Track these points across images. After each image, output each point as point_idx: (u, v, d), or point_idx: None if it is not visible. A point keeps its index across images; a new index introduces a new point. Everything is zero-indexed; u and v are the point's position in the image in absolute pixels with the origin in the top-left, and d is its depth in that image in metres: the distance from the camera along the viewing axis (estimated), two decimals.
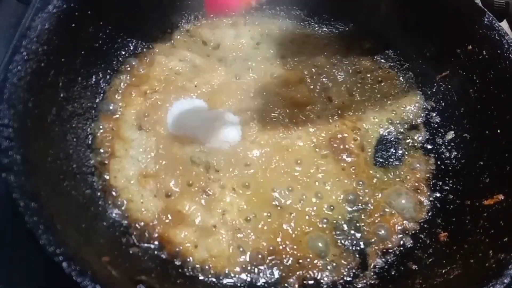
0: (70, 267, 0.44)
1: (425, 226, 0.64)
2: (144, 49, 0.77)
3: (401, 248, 0.62)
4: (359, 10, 0.83)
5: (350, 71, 0.79)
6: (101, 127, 0.68)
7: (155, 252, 0.58)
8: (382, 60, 0.80)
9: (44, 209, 0.48)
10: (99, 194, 0.61)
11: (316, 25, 0.84)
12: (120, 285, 0.47)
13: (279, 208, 0.63)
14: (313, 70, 0.78)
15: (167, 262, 0.58)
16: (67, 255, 0.44)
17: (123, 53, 0.75)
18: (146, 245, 0.59)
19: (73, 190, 0.58)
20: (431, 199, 0.66)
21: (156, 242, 0.59)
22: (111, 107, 0.70)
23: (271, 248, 0.60)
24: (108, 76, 0.72)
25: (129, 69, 0.74)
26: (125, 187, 0.63)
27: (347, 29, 0.84)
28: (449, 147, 0.70)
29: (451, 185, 0.67)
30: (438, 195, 0.66)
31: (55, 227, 0.47)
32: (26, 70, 0.56)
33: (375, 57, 0.81)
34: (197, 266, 0.58)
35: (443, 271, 0.55)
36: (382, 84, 0.77)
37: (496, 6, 1.03)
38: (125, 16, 0.73)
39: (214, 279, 0.57)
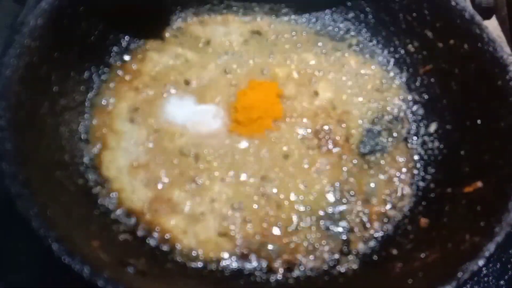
0: (60, 249, 0.46)
1: (407, 213, 0.65)
2: (136, 45, 0.79)
3: (383, 235, 0.63)
4: (346, 7, 0.85)
5: (337, 66, 0.81)
6: (93, 120, 0.70)
7: (145, 239, 0.60)
8: (368, 56, 0.82)
9: (35, 195, 0.49)
10: (90, 184, 0.63)
11: (305, 22, 0.86)
12: (109, 267, 0.48)
13: (266, 196, 0.65)
14: (301, 65, 0.80)
15: (156, 248, 0.59)
16: (57, 238, 0.46)
17: (116, 49, 0.77)
18: (136, 232, 0.60)
19: (65, 179, 0.60)
20: (413, 188, 0.68)
21: (146, 229, 0.61)
22: (103, 101, 0.72)
23: (257, 234, 0.62)
24: (100, 71, 0.74)
25: (121, 64, 0.76)
26: (116, 177, 0.65)
27: (334, 25, 0.86)
28: (431, 138, 0.72)
29: (433, 174, 0.69)
30: (420, 184, 0.68)
31: (46, 212, 0.49)
32: (18, 64, 0.58)
33: (362, 53, 0.83)
34: (185, 252, 0.60)
35: (423, 255, 0.57)
36: (368, 78, 0.79)
37: (484, 4, 1.05)
38: (117, 13, 0.75)
39: (201, 265, 0.59)
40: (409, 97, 0.77)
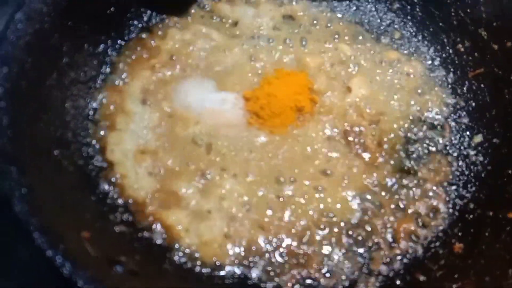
0: (42, 238, 0.41)
1: (439, 234, 0.58)
2: (158, 21, 0.73)
3: (410, 256, 0.56)
4: None
5: (376, 61, 0.73)
6: (103, 97, 0.65)
7: (143, 233, 0.55)
8: (410, 52, 0.74)
9: (23, 175, 0.45)
10: (92, 166, 0.59)
11: (343, 10, 0.78)
12: (93, 264, 0.43)
13: (280, 199, 0.59)
14: (335, 57, 0.73)
15: (154, 245, 0.54)
16: (39, 225, 0.41)
17: (136, 23, 0.71)
18: (134, 224, 0.55)
19: (64, 159, 0.55)
20: (449, 206, 0.60)
21: (145, 222, 0.56)
22: (116, 78, 0.67)
23: (266, 241, 0.56)
24: (117, 46, 0.69)
25: (140, 40, 0.71)
26: (120, 162, 0.60)
27: (376, 16, 0.78)
28: (475, 152, 0.64)
29: (473, 193, 0.61)
30: (458, 202, 0.61)
31: (32, 195, 0.44)
32: (26, 29, 0.54)
33: (404, 49, 0.75)
34: (186, 252, 0.54)
35: (454, 286, 0.50)
36: (409, 78, 0.71)
37: None
38: None
39: (202, 269, 0.54)
40: (454, 103, 0.69)
